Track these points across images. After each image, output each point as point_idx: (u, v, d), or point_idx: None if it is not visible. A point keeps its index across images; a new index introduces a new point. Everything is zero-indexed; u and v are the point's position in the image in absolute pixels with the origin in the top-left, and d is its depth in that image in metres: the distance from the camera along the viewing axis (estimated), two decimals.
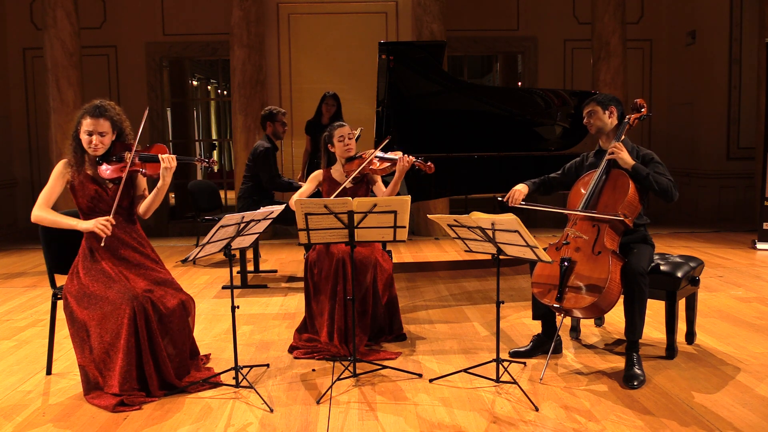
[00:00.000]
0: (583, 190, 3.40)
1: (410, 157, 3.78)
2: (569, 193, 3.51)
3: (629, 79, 8.14)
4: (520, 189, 3.58)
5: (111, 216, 3.03)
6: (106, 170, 3.10)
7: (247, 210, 3.76)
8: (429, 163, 3.79)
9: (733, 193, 8.51)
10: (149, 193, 3.26)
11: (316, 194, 4.00)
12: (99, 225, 2.98)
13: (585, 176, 3.48)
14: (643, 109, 3.52)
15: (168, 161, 3.08)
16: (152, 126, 8.60)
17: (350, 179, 3.82)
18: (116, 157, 3.12)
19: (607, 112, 3.43)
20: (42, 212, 3.06)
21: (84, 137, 3.07)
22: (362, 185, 3.94)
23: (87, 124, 3.05)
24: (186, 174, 9.53)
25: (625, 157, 3.30)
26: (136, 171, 3.13)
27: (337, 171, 3.97)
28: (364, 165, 3.83)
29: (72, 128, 3.13)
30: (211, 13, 8.49)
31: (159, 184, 3.15)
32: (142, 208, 3.24)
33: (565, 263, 3.18)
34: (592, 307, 3.09)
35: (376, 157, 3.88)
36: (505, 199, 3.56)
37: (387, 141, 3.94)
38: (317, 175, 4.02)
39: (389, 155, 3.91)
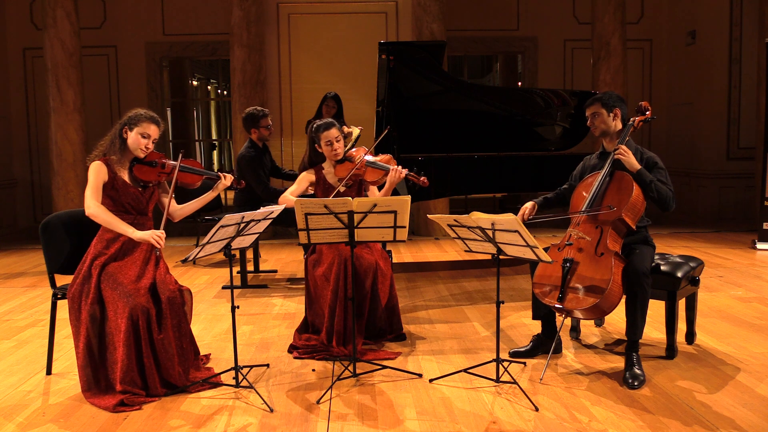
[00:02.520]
0: (585, 193, 3.37)
1: (402, 169, 3.72)
2: (572, 195, 3.50)
3: (629, 79, 8.13)
4: (528, 206, 3.52)
5: (162, 228, 3.14)
6: (145, 172, 3.23)
7: None
8: (423, 178, 3.69)
9: (733, 193, 8.51)
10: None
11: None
12: (155, 237, 3.08)
13: (588, 177, 3.46)
14: (647, 112, 3.49)
15: (229, 180, 3.41)
16: None
17: (342, 184, 3.76)
18: (155, 162, 3.26)
19: (611, 115, 3.39)
20: (99, 209, 3.09)
21: (138, 138, 3.17)
22: (355, 187, 3.90)
23: (146, 126, 3.18)
24: None
25: (632, 161, 3.27)
26: (172, 179, 3.27)
27: (329, 173, 3.91)
28: (353, 172, 3.76)
29: (115, 128, 3.21)
30: (211, 13, 8.50)
31: (209, 194, 3.41)
32: (178, 211, 3.40)
33: (568, 264, 3.18)
34: (594, 308, 3.08)
35: (366, 164, 3.80)
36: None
37: (386, 132, 3.89)
38: (308, 176, 3.91)
39: (379, 162, 3.81)
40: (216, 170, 3.60)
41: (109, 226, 3.11)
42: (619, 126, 3.42)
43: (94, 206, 3.09)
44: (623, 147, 3.30)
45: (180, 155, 3.28)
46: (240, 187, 3.48)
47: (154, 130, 3.21)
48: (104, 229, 3.15)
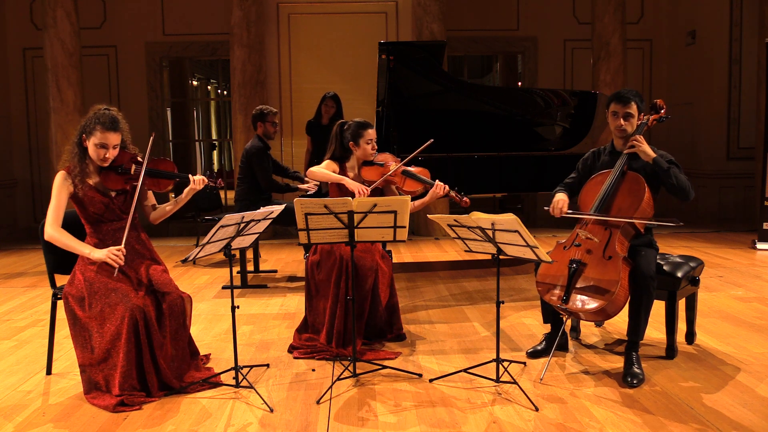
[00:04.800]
0: (594, 192, 3.34)
1: (446, 187, 3.73)
2: (581, 192, 3.45)
3: (629, 79, 8.14)
4: (564, 198, 3.44)
5: (122, 245, 3.00)
6: (112, 180, 3.09)
7: (245, 211, 3.76)
8: (465, 198, 3.70)
9: (733, 193, 8.51)
10: (156, 202, 3.34)
11: (321, 193, 3.95)
12: (111, 256, 2.94)
13: (598, 176, 3.41)
14: (662, 110, 3.42)
15: (199, 183, 3.19)
16: (152, 126, 8.60)
17: (373, 186, 3.76)
18: (121, 168, 3.10)
19: (639, 116, 3.33)
20: (56, 232, 3.00)
21: (95, 149, 3.01)
22: (378, 193, 3.89)
23: (100, 137, 2.98)
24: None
25: (647, 149, 3.23)
26: (143, 186, 3.14)
27: (351, 170, 3.89)
28: (387, 177, 3.78)
29: (74, 134, 3.08)
30: (211, 13, 8.50)
31: (180, 198, 3.26)
32: (154, 215, 3.31)
33: (574, 265, 3.16)
34: (600, 311, 3.07)
35: (403, 173, 3.82)
36: (551, 212, 3.40)
37: (428, 143, 3.83)
38: (332, 165, 3.84)
39: (417, 174, 3.84)
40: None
41: (68, 248, 3.01)
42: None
43: (50, 231, 2.99)
44: (638, 136, 3.25)
45: (147, 154, 3.08)
46: (220, 186, 3.31)
47: (112, 138, 2.99)
48: (90, 234, 3.12)
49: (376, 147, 3.85)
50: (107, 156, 3.03)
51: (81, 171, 3.04)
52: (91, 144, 3.01)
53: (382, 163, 3.88)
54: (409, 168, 3.87)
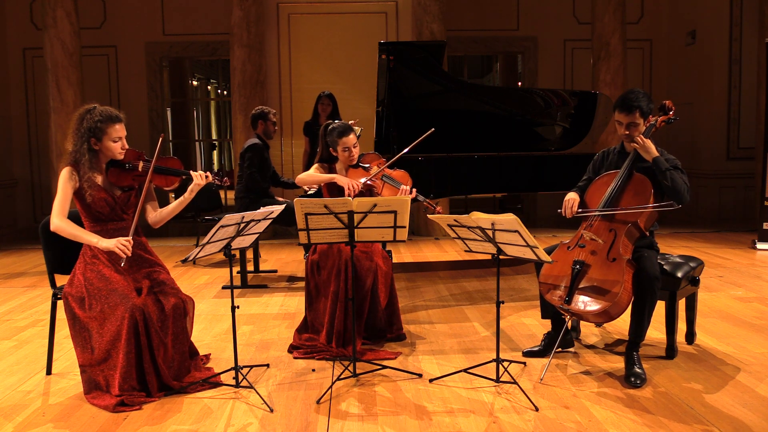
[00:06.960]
0: (600, 192, 3.33)
1: (412, 192, 3.74)
2: (587, 191, 3.44)
3: (629, 79, 8.13)
4: (574, 197, 3.41)
5: (130, 236, 3.03)
6: (119, 177, 3.13)
7: (245, 210, 3.75)
8: (438, 207, 3.70)
9: (733, 193, 8.51)
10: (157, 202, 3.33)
11: (316, 193, 3.97)
12: (120, 245, 2.96)
13: (604, 176, 3.40)
14: (671, 112, 3.39)
15: (202, 178, 3.18)
16: (152, 126, 8.60)
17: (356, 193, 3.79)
18: (129, 165, 3.14)
19: (646, 123, 3.31)
20: (63, 223, 3.03)
21: (113, 145, 3.07)
22: (366, 195, 3.90)
23: (112, 132, 3.05)
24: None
25: (649, 148, 3.22)
26: (150, 182, 3.17)
27: (340, 173, 3.91)
28: (369, 180, 3.79)
29: (74, 141, 3.08)
30: (211, 13, 8.50)
31: (184, 197, 3.23)
32: (156, 217, 3.29)
33: (578, 266, 3.16)
34: (603, 313, 3.07)
35: (383, 177, 3.83)
36: (563, 212, 3.37)
37: (430, 132, 3.86)
38: (321, 168, 3.89)
39: (395, 178, 3.85)
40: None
41: (75, 239, 3.04)
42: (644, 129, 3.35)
43: (57, 221, 3.02)
44: (641, 137, 3.23)
45: (156, 152, 3.12)
46: (225, 184, 3.34)
47: (121, 129, 3.09)
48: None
49: (354, 153, 3.80)
50: (124, 146, 3.11)
51: (91, 169, 3.07)
52: (107, 142, 3.07)
53: (368, 166, 3.89)
54: (390, 171, 3.88)
